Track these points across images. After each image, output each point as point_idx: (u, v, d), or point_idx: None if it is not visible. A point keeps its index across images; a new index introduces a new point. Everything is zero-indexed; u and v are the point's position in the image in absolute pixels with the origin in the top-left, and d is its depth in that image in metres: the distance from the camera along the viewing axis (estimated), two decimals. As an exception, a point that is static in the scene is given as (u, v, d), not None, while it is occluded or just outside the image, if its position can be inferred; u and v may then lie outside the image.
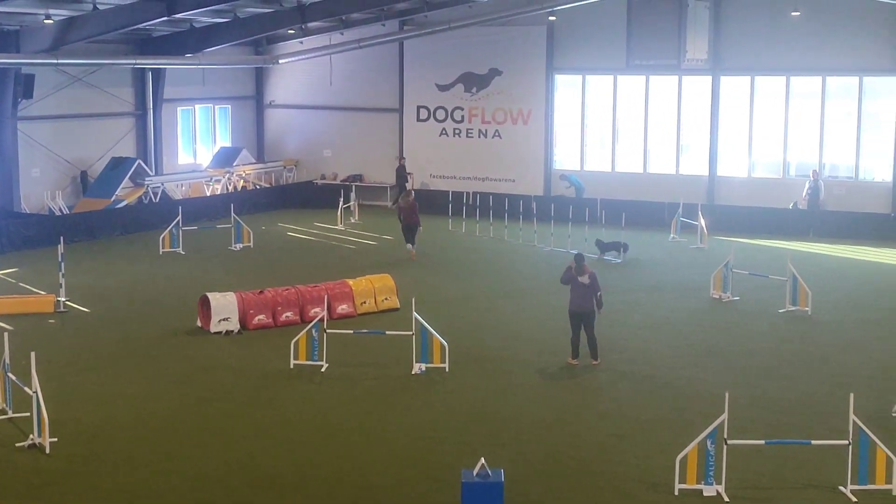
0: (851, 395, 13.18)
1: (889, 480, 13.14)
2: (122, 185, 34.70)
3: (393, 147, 40.60)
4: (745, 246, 29.36)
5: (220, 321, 20.92)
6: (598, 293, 18.80)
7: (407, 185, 37.46)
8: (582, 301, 18.74)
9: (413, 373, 18.21)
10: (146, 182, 35.49)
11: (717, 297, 24.07)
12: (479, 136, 39.41)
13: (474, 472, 12.05)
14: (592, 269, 19.06)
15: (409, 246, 28.91)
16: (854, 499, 12.98)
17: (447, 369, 18.26)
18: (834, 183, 34.78)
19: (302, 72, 41.34)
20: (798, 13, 33.34)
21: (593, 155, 38.62)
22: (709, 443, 13.06)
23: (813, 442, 13.93)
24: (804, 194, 33.80)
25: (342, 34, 38.31)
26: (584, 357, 18.81)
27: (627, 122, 37.91)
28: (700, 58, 35.84)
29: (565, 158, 38.79)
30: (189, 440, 15.13)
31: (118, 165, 35.27)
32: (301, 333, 18.69)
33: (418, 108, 40.14)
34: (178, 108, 39.76)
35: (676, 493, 13.12)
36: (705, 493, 13.08)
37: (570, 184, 36.83)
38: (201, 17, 34.61)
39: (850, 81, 34.80)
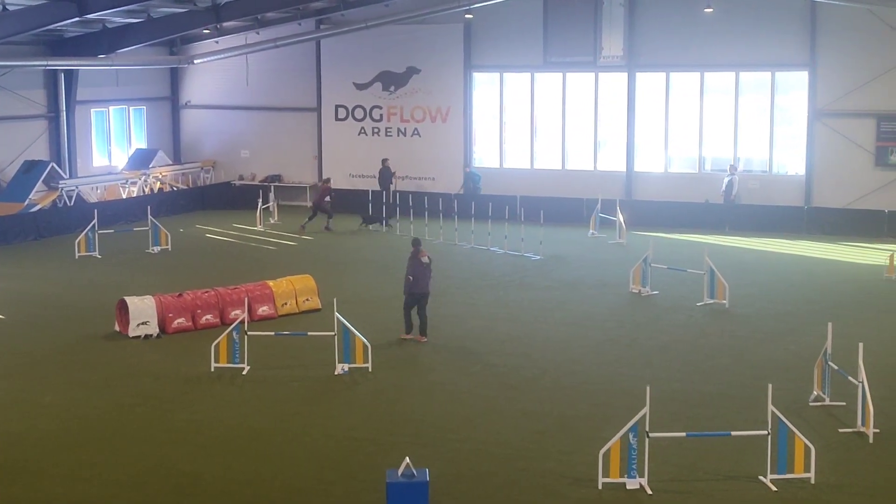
0: (769, 386, 13.39)
1: (808, 469, 13.37)
2: (35, 189, 34.04)
3: (311, 147, 40.39)
4: (663, 240, 29.71)
5: (138, 325, 20.62)
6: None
7: (392, 185, 37.15)
8: (426, 282, 20.15)
9: (336, 373, 18.12)
10: (60, 185, 34.85)
11: (637, 291, 24.32)
12: (398, 135, 39.35)
13: (399, 472, 12.01)
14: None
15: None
16: (774, 488, 13.19)
17: (370, 369, 18.20)
18: (748, 177, 35.34)
19: (218, 72, 40.92)
20: (711, 10, 33.79)
21: (512, 152, 38.78)
22: (631, 436, 13.18)
23: (733, 433, 14.13)
24: (722, 188, 34.28)
25: (258, 33, 38.00)
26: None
27: (545, 119, 38.12)
28: (616, 54, 36.17)
29: (484, 156, 38.90)
30: (109, 446, 14.88)
31: (31, 169, 34.60)
32: (221, 336, 18.49)
33: (336, 107, 39.97)
34: (92, 110, 39.10)
35: (600, 486, 13.21)
36: (628, 487, 13.19)
37: (465, 180, 36.96)
38: (114, 18, 34.09)
39: (762, 77, 35.39)
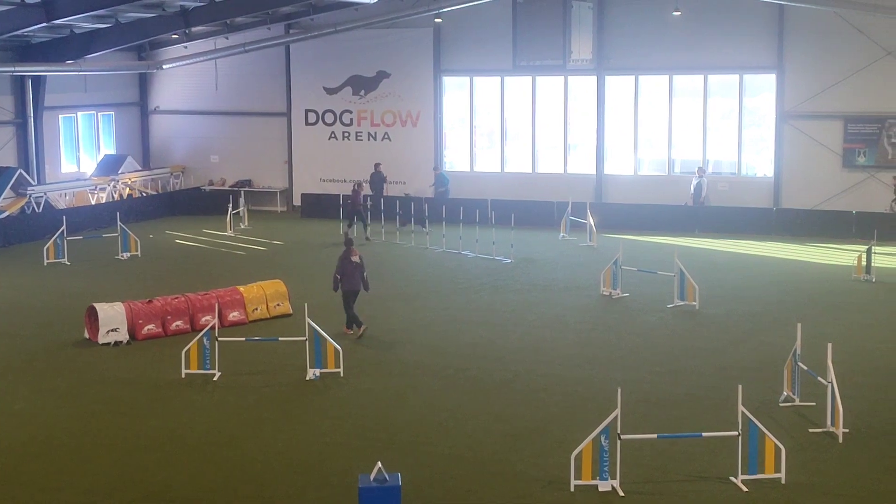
0: (740, 387, 13.46)
1: (778, 469, 13.45)
2: (3, 196, 33.77)
3: (281, 151, 40.30)
4: (633, 243, 29.81)
5: (108, 332, 20.50)
6: (365, 273, 21.18)
7: (384, 190, 37.05)
8: (356, 280, 21.01)
9: (307, 379, 18.07)
10: (28, 192, 34.58)
11: (608, 293, 24.39)
12: (369, 139, 39.33)
13: (371, 477, 11.99)
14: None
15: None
16: (745, 488, 13.25)
17: (342, 374, 18.17)
18: (718, 179, 35.53)
19: (187, 77, 40.76)
20: (679, 13, 33.98)
21: (483, 156, 38.84)
22: (603, 439, 13.21)
23: (704, 434, 14.18)
24: (691, 191, 34.46)
25: (227, 38, 37.86)
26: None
27: (516, 122, 38.22)
28: (585, 58, 36.28)
29: (455, 160, 38.94)
30: (80, 455, 14.78)
31: (-2, 175, 34.35)
32: (192, 342, 18.41)
33: (306, 111, 39.90)
34: (60, 116, 38.87)
35: (572, 489, 13.24)
36: (601, 489, 13.23)
37: (435, 182, 36.99)
38: (82, 23, 33.88)
39: (730, 79, 35.61)
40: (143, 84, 42.00)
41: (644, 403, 16.46)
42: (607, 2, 35.94)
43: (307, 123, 39.93)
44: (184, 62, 38.44)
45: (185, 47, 38.92)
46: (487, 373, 18.52)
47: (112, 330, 20.54)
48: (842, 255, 28.93)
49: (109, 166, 38.87)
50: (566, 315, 22.80)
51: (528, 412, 16.39)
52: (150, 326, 20.95)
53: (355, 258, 21.11)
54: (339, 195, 35.77)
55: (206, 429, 15.80)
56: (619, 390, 13.35)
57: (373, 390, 17.59)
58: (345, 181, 38.82)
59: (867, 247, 26.30)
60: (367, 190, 32.89)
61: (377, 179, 36.73)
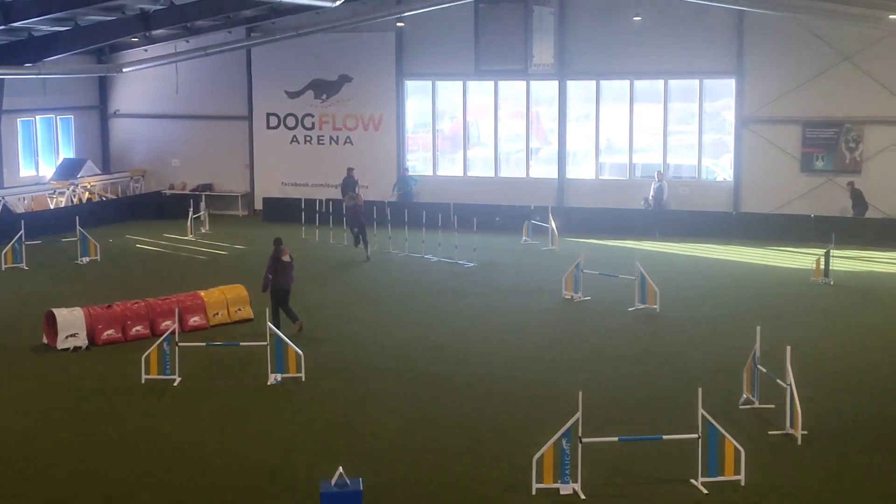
0: (700, 390, 13.54)
1: (738, 471, 13.54)
2: (-40, 200, 33.46)
3: (243, 155, 40.13)
4: (594, 247, 29.93)
5: (67, 337, 20.32)
6: (293, 272, 21.59)
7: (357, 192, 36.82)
8: (286, 279, 21.21)
9: (269, 384, 18.00)
10: (-14, 196, 34.28)
11: (570, 297, 24.47)
12: (331, 143, 39.24)
13: (332, 482, 11.96)
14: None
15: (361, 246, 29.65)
16: (705, 491, 13.33)
17: (303, 379, 18.12)
18: (678, 183, 35.75)
19: (147, 80, 40.47)
20: (640, 18, 34.16)
21: (445, 160, 38.88)
22: (564, 442, 13.25)
23: (664, 437, 14.25)
24: (650, 195, 34.65)
25: (188, 42, 37.70)
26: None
27: (480, 126, 38.31)
28: (546, 63, 36.37)
29: (418, 164, 38.95)
30: (39, 461, 14.65)
31: (-45, 179, 34.00)
32: (152, 347, 18.29)
33: (268, 115, 39.75)
34: (18, 120, 38.45)
35: (534, 492, 13.27)
36: (562, 492, 13.26)
37: (402, 183, 37.00)
38: (40, 26, 33.54)
39: (691, 84, 35.83)
40: (103, 87, 41.69)
41: (605, 406, 16.52)
42: (568, 7, 36.08)
43: (269, 127, 39.78)
44: (144, 65, 38.16)
45: (146, 50, 38.68)
46: (450, 376, 18.53)
47: (71, 335, 20.37)
48: (800, 259, 29.19)
49: (69, 170, 38.54)
50: (528, 319, 22.85)
51: (490, 415, 16.40)
52: (110, 331, 20.79)
53: (286, 257, 21.28)
54: (301, 199, 35.65)
55: (166, 434, 15.70)
56: (581, 393, 13.39)
57: (335, 395, 17.56)
58: (307, 185, 38.74)
59: (825, 250, 26.55)
60: (361, 199, 30.92)
61: (350, 184, 36.60)
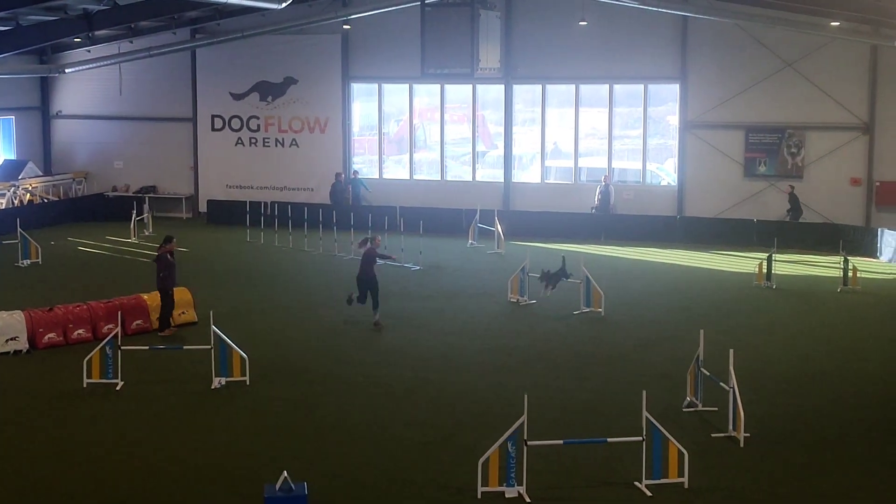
0: (644, 393, 13.62)
1: (681, 474, 13.64)
2: None
3: (187, 157, 39.82)
4: (540, 250, 30.03)
5: (7, 341, 20.04)
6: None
7: (364, 196, 36.57)
8: (173, 278, 21.85)
9: (213, 387, 17.86)
10: (-77, 197, 33.70)
11: (515, 300, 24.53)
12: (276, 146, 39.06)
13: (277, 486, 11.88)
14: None
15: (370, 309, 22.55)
16: (649, 493, 13.41)
17: (248, 382, 17.99)
18: (623, 187, 36.00)
19: (90, 81, 40.05)
20: (585, 23, 34.36)
21: (391, 163, 38.85)
22: (509, 445, 13.27)
23: (609, 440, 14.34)
24: (596, 199, 34.85)
25: (131, 42, 37.33)
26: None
27: (426, 129, 38.34)
28: (493, 66, 36.44)
29: (364, 167, 38.86)
30: (-25, 468, 14.42)
31: None
32: (94, 351, 18.07)
33: (213, 117, 39.48)
34: (-43, 120, 37.96)
35: (479, 496, 13.27)
36: (507, 495, 13.28)
37: (352, 186, 36.91)
38: (-20, 25, 33.08)
39: (635, 89, 36.10)
40: (45, 88, 41.19)
41: (551, 410, 16.58)
42: (515, 11, 36.21)
43: (213, 129, 39.51)
44: (87, 66, 37.73)
45: (89, 51, 38.22)
46: (396, 380, 18.49)
47: (11, 339, 20.08)
48: (743, 263, 29.49)
49: (9, 172, 38.02)
50: (474, 322, 22.88)
51: (436, 419, 16.39)
52: (51, 335, 20.52)
53: (171, 258, 21.76)
54: (245, 202, 35.43)
55: (109, 439, 15.52)
56: (526, 397, 13.43)
57: (280, 399, 17.45)
58: (252, 187, 38.52)
59: (767, 254, 26.87)
60: (379, 244, 23.48)
61: (339, 190, 36.36)
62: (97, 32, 35.37)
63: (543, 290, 23.93)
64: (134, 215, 34.56)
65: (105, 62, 37.66)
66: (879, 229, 31.35)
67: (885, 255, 30.39)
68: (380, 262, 23.07)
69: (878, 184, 33.52)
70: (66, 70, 38.02)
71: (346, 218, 31.96)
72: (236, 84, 39.03)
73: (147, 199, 37.10)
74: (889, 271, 28.92)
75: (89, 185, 40.69)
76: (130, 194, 39.24)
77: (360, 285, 22.53)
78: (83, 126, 41.09)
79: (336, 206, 35.53)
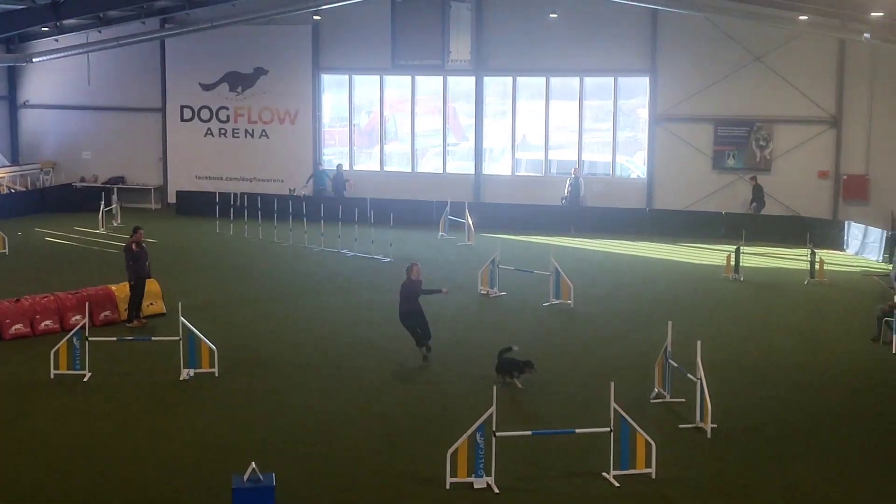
0: (612, 384, 13.68)
1: (649, 464, 13.71)
2: None
3: (156, 148, 39.61)
4: (510, 242, 30.09)
5: (-27, 332, 19.90)
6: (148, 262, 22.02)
7: (346, 188, 36.28)
8: (145, 267, 21.91)
9: (181, 379, 17.79)
10: None
11: (485, 292, 24.57)
12: (246, 136, 38.93)
13: (245, 477, 11.87)
14: None
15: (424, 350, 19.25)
16: (617, 483, 13.48)
17: (216, 374, 17.94)
18: (593, 180, 36.11)
19: (58, 70, 39.79)
20: (556, 15, 34.41)
21: (362, 155, 38.80)
22: (478, 436, 13.30)
23: (577, 431, 14.38)
24: (566, 191, 34.94)
25: (100, 32, 37.06)
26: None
27: (397, 121, 38.31)
28: (463, 58, 36.49)
29: (335, 158, 38.80)
30: (-59, 459, 14.32)
31: None
32: (61, 342, 17.97)
33: (182, 107, 39.30)
34: (-77, 109, 37.60)
35: (448, 486, 13.30)
36: (476, 486, 13.31)
37: (318, 178, 36.78)
38: (-53, 13, 32.83)
39: (605, 82, 36.21)
40: (13, 77, 40.87)
41: (520, 401, 16.63)
42: (485, 3, 36.22)
43: (183, 120, 39.33)
44: (55, 56, 37.48)
45: (57, 40, 37.90)
46: (365, 372, 18.49)
47: (-23, 330, 19.95)
48: (712, 255, 29.66)
49: (-24, 161, 37.75)
50: (444, 314, 22.86)
51: (405, 411, 16.40)
52: (18, 326, 20.38)
53: (137, 248, 21.63)
54: (215, 193, 35.29)
55: (76, 430, 15.44)
56: (496, 388, 13.46)
57: (248, 390, 17.41)
58: (221, 178, 38.37)
59: (736, 247, 27.03)
60: (418, 274, 19.64)
61: (340, 180, 36.17)
62: (65, 21, 35.16)
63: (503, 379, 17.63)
64: (102, 206, 34.36)
65: (73, 51, 37.40)
66: (846, 222, 31.62)
67: (852, 247, 30.65)
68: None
69: (845, 177, 33.79)
70: (34, 59, 37.78)
71: (317, 209, 31.82)
72: (206, 74, 38.86)
73: (115, 189, 36.89)
74: (855, 264, 29.17)
75: (57, 175, 40.42)
76: (99, 185, 39.02)
77: (408, 321, 19.14)
78: (51, 116, 40.81)
79: (336, 196, 35.26)
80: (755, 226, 31.63)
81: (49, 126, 40.89)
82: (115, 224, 34.39)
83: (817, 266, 26.55)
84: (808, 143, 34.08)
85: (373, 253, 29.04)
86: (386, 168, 38.17)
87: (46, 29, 37.00)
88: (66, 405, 16.63)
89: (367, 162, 38.55)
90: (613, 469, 13.65)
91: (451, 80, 37.29)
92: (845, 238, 31.02)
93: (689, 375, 15.89)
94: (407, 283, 19.19)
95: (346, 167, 37.96)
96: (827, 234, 31.23)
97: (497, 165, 37.57)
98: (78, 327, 18.17)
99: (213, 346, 18.04)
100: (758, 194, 33.28)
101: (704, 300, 24.53)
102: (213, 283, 25.83)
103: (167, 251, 29.05)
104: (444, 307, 23.42)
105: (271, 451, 14.52)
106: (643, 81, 35.62)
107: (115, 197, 35.81)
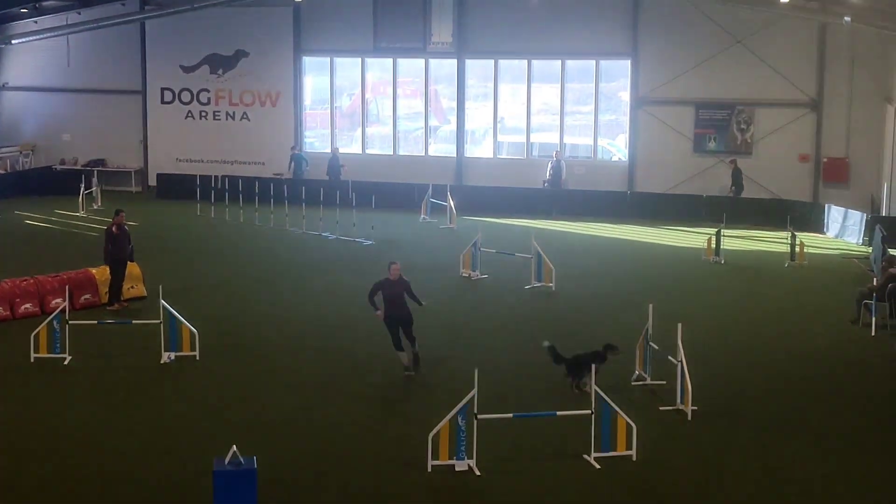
0: (593, 366, 13.70)
1: (630, 447, 13.76)
2: None
3: (136, 130, 39.41)
4: (492, 225, 30.09)
5: (-48, 316, 19.81)
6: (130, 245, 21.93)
7: (342, 172, 35.82)
8: (126, 249, 21.75)
9: (162, 362, 17.75)
10: None
11: (467, 275, 24.58)
12: (227, 119, 38.78)
13: (226, 460, 11.85)
14: None
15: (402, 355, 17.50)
16: (597, 466, 13.53)
17: (198, 357, 17.90)
18: (574, 163, 36.12)
19: (37, 52, 39.49)
20: (538, -2, 34.41)
21: (344, 137, 38.71)
22: (460, 419, 13.32)
23: (558, 413, 14.41)
24: (548, 174, 34.95)
25: (80, 14, 36.83)
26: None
27: (378, 104, 38.26)
28: (445, 41, 36.41)
29: (316, 141, 38.71)
30: (-80, 444, 14.25)
31: None
32: (41, 326, 17.90)
33: (162, 90, 39.10)
34: None
35: (430, 469, 13.31)
36: (457, 468, 13.33)
37: (295, 162, 36.63)
38: (-76, -6, 32.53)
39: (587, 64, 36.19)
40: (-9, 59, 40.63)
41: (501, 383, 16.65)
42: (467, -15, 36.15)
43: (163, 102, 39.14)
44: (34, 37, 37.25)
45: (36, 22, 37.70)
46: (348, 354, 18.48)
47: (-43, 313, 19.85)
48: (693, 238, 29.72)
49: (-45, 144, 37.50)
50: (425, 297, 22.85)
51: (387, 393, 16.42)
52: (-2, 309, 20.32)
53: (117, 231, 21.45)
54: (196, 176, 35.15)
55: (56, 414, 15.40)
56: (477, 371, 13.47)
57: (230, 373, 17.39)
58: (202, 161, 38.22)
59: (716, 229, 27.11)
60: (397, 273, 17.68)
61: (335, 165, 35.90)
62: (44, 3, 35.00)
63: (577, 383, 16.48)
64: (82, 189, 34.16)
65: (52, 33, 37.16)
66: (826, 205, 31.75)
67: (832, 230, 30.77)
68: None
69: (825, 160, 33.90)
70: (13, 41, 37.54)
71: (299, 192, 31.73)
72: (186, 57, 38.67)
73: (96, 172, 36.69)
74: (835, 246, 29.30)
75: (37, 158, 40.19)
76: (79, 167, 38.81)
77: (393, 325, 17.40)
78: (30, 98, 40.54)
79: (332, 181, 35.02)
80: (736, 208, 31.70)
81: (28, 108, 40.63)
82: (95, 207, 34.24)
83: (797, 249, 26.65)
84: (788, 127, 34.17)
85: (354, 236, 28.99)
86: (368, 151, 38.09)
87: (25, 11, 36.75)
88: (46, 389, 16.57)
89: (349, 145, 38.45)
90: (594, 451, 13.69)
91: (433, 62, 37.22)
92: (825, 221, 31.14)
93: (669, 358, 15.95)
94: (386, 283, 17.31)
95: (328, 150, 37.85)
96: (807, 217, 31.33)
97: (479, 148, 37.55)
98: (58, 311, 18.11)
99: (195, 330, 18.00)
100: (737, 178, 33.35)
101: (685, 283, 24.60)
102: (194, 267, 25.76)
103: (148, 234, 28.93)
104: (426, 290, 23.35)
105: (252, 434, 14.50)
106: (625, 64, 35.62)
107: (95, 180, 35.60)
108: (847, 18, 28.85)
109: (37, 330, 17.86)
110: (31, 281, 21.07)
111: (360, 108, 38.18)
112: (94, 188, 35.04)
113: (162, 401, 16.07)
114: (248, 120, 38.56)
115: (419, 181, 34.51)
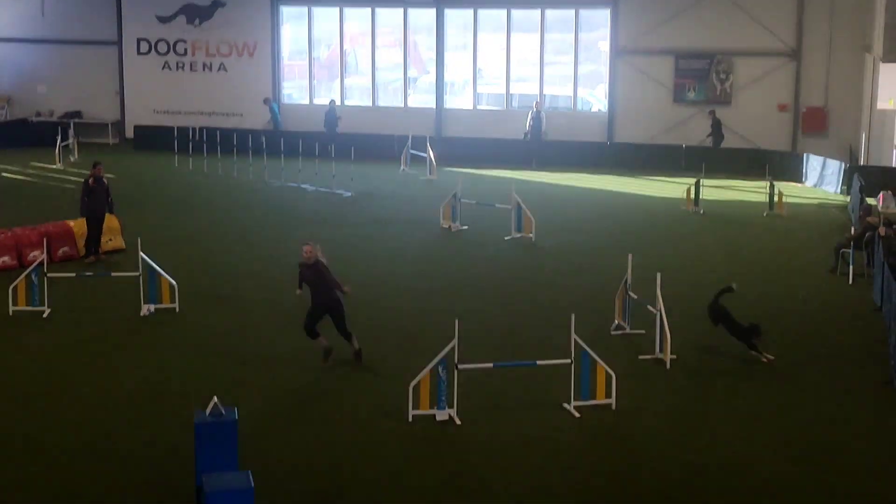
0: (573, 316, 13.76)
1: (609, 395, 13.86)
2: None
3: (112, 82, 39.03)
4: (472, 176, 30.03)
5: (-71, 269, 19.67)
6: (110, 198, 21.79)
7: (338, 124, 35.10)
8: (102, 202, 21.62)
9: (142, 314, 17.72)
10: None
11: (447, 226, 24.57)
12: (204, 70, 38.45)
13: (207, 412, 11.85)
14: None
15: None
16: (577, 414, 13.62)
17: (177, 310, 17.88)
18: (554, 114, 36.02)
19: (10, 3, 39.00)
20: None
21: (322, 88, 38.46)
22: (440, 369, 13.37)
23: (538, 362, 14.48)
24: (527, 125, 34.82)
25: (53, -37, 36.38)
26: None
27: (357, 55, 38.01)
28: (424, -10, 36.14)
29: (294, 92, 38.46)
30: None
31: None
32: (20, 279, 17.82)
33: (139, 40, 38.68)
34: None
35: (410, 419, 13.38)
36: (438, 418, 13.41)
37: (270, 114, 36.38)
38: None
39: (567, 14, 35.99)
40: (-36, 10, 40.10)
41: (481, 333, 16.69)
42: (446, -67, 35.84)
43: (139, 53, 38.74)
44: (7, -13, 36.78)
45: (8, -28, 37.25)
46: (326, 306, 18.45)
47: (-66, 267, 19.72)
48: (672, 188, 29.73)
49: (-72, 96, 37.08)
50: (406, 248, 22.90)
51: (367, 344, 16.40)
52: (-25, 263, 20.19)
53: (94, 183, 21.42)
54: (173, 128, 34.88)
55: (36, 367, 15.38)
56: (457, 321, 13.49)
57: (209, 326, 17.38)
58: (180, 113, 37.92)
59: (696, 180, 27.14)
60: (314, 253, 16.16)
61: (332, 119, 35.43)
62: (17, -48, 34.45)
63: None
64: (59, 141, 33.85)
65: (26, -17, 36.69)
66: (805, 154, 31.81)
67: (811, 179, 30.86)
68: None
69: (804, 110, 33.93)
70: (-14, -9, 37.01)
71: (277, 144, 31.55)
72: (162, 6, 38.25)
73: (72, 124, 36.35)
74: (813, 196, 29.39)
75: (12, 109, 39.79)
76: (55, 119, 38.45)
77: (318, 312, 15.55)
78: (4, 49, 40.03)
79: (329, 133, 34.55)
80: (715, 159, 31.68)
81: (3, 60, 40.13)
82: (72, 159, 33.96)
83: (776, 198, 26.73)
84: (767, 76, 34.15)
85: (334, 188, 28.89)
86: (347, 102, 37.86)
87: (-2, -40, 36.27)
88: (26, 342, 16.53)
89: (327, 96, 38.18)
90: (574, 400, 13.79)
91: (412, 12, 36.94)
92: (804, 170, 31.21)
93: (648, 307, 16.02)
94: (303, 267, 15.74)
95: (305, 101, 37.61)
96: (786, 166, 31.38)
97: (458, 99, 37.38)
98: (36, 263, 18.03)
99: (174, 282, 17.96)
100: (716, 128, 33.32)
101: (665, 233, 24.66)
102: (173, 219, 25.65)
103: (125, 186, 28.73)
104: (407, 242, 23.44)
105: (233, 385, 14.53)
106: (604, 14, 35.46)
107: (71, 132, 35.26)
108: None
109: (15, 283, 17.79)
110: (9, 234, 20.94)
111: (339, 59, 37.90)
112: (70, 140, 34.73)
113: (142, 353, 16.06)
114: (226, 71, 38.25)
115: (399, 132, 34.35)
